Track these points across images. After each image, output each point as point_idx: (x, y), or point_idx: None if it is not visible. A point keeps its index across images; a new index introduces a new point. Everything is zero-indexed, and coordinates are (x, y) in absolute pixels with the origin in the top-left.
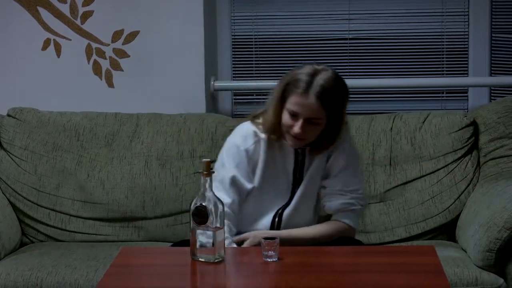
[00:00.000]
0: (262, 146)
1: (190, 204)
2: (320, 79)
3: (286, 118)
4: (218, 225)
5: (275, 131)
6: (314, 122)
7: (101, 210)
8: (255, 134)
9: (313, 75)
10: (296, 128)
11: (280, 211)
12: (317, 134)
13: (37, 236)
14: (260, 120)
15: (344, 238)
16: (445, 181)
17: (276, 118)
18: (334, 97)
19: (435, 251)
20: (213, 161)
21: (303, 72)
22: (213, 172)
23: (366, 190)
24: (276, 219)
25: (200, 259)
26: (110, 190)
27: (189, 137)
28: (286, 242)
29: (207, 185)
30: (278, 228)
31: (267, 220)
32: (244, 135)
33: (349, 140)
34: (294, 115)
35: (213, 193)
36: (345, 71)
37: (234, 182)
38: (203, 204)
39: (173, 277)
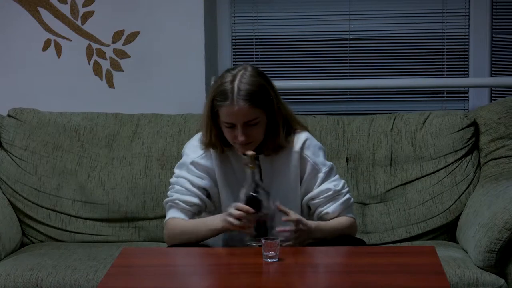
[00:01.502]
0: (214, 157)
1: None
2: (239, 82)
3: (226, 131)
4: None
5: (214, 146)
6: (253, 123)
7: (102, 211)
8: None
9: (232, 81)
10: (239, 137)
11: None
12: (262, 132)
13: (37, 236)
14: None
15: (347, 237)
16: (445, 181)
17: (211, 135)
18: (259, 93)
19: (436, 251)
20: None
21: (223, 82)
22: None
23: (367, 190)
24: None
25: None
26: (110, 191)
27: (189, 138)
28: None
29: (255, 177)
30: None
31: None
32: (194, 146)
33: (305, 140)
34: (231, 126)
35: (261, 183)
36: (345, 71)
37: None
38: (253, 194)
39: (173, 278)
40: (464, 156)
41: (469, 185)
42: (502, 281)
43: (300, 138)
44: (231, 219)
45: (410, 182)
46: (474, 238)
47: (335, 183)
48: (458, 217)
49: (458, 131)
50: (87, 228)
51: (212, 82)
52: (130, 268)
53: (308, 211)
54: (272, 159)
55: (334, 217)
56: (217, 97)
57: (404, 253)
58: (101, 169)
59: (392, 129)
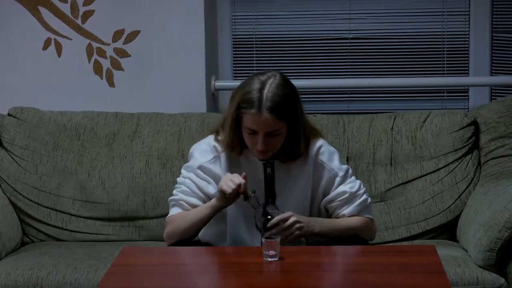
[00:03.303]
0: (223, 162)
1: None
2: (268, 92)
3: (246, 136)
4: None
5: (234, 148)
6: (275, 134)
7: (102, 210)
8: (215, 149)
9: (261, 89)
10: (259, 145)
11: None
12: (281, 142)
13: (37, 235)
14: (220, 137)
15: (350, 236)
16: (445, 180)
17: (233, 138)
18: (287, 105)
19: (436, 250)
20: None
21: (251, 89)
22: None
23: (367, 190)
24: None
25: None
26: (110, 190)
27: (189, 137)
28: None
29: (258, 201)
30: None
31: (258, 239)
32: (203, 150)
33: (319, 147)
34: (253, 133)
35: (262, 202)
36: (345, 70)
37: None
38: (269, 217)
39: (174, 277)
40: (464, 155)
41: (469, 184)
42: (502, 280)
43: (315, 144)
44: (225, 187)
45: (410, 181)
46: (474, 237)
47: (351, 185)
48: (458, 216)
49: (458, 130)
50: (88, 227)
51: (213, 81)
52: (130, 267)
53: (326, 213)
54: (287, 165)
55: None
56: (243, 103)
57: (405, 252)
58: (101, 168)
59: (392, 128)
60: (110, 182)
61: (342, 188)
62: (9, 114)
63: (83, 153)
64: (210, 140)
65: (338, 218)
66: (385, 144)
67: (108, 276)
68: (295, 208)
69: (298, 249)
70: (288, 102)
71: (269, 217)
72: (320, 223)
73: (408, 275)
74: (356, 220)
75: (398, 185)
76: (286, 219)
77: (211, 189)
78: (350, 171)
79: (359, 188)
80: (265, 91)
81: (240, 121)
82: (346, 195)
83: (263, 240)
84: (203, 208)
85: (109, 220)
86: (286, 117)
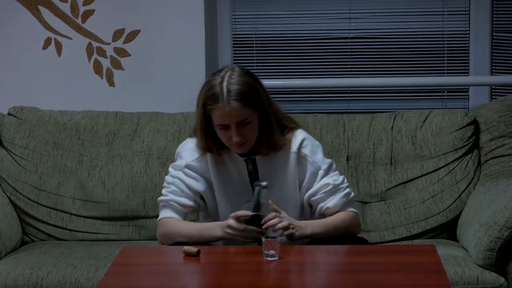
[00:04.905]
0: (209, 160)
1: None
2: (228, 83)
3: (220, 133)
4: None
5: (211, 149)
6: (246, 122)
7: (102, 209)
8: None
9: (221, 82)
10: (234, 137)
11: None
12: (256, 132)
13: (37, 235)
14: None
15: (349, 236)
16: (446, 180)
17: (207, 140)
18: (249, 92)
19: (436, 250)
20: None
21: (212, 85)
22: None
23: (367, 189)
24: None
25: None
26: (110, 189)
27: (190, 136)
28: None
29: (261, 196)
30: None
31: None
32: (190, 149)
33: (302, 140)
34: (225, 127)
35: (265, 203)
36: (345, 70)
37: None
38: (258, 213)
39: (173, 276)
40: (465, 154)
41: (469, 184)
42: (502, 279)
43: (298, 137)
44: (230, 231)
45: (410, 180)
46: (475, 237)
47: (334, 178)
48: (458, 216)
49: (459, 129)
50: (88, 226)
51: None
52: (130, 267)
53: (310, 209)
54: (270, 160)
55: (335, 212)
56: (208, 101)
57: (405, 252)
58: (101, 168)
59: (392, 127)
60: (110, 181)
61: (325, 180)
62: (9, 114)
63: (83, 153)
64: (195, 139)
65: (322, 211)
66: (385, 143)
67: (108, 276)
68: (284, 202)
69: (298, 249)
70: (250, 88)
71: (259, 214)
72: (310, 224)
73: (408, 275)
74: (343, 216)
75: (398, 184)
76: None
77: (200, 186)
78: (334, 165)
79: (342, 182)
80: (225, 83)
81: (210, 121)
82: (330, 187)
83: (263, 239)
84: (204, 235)
85: (109, 219)
86: (252, 103)
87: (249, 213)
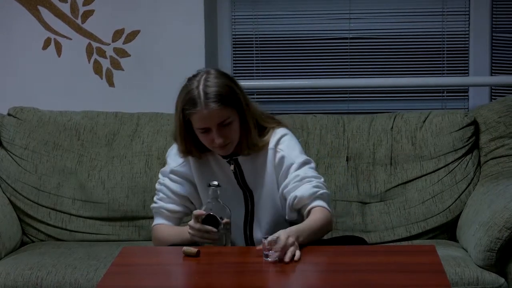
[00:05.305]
0: (192, 164)
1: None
2: (205, 86)
3: (201, 137)
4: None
5: (192, 153)
6: (227, 123)
7: (102, 210)
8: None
9: (198, 86)
10: (216, 140)
11: (247, 226)
12: (238, 131)
13: (37, 235)
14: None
15: (349, 236)
16: (445, 180)
17: (187, 144)
18: (227, 92)
19: (436, 250)
20: None
21: (189, 90)
22: (218, 184)
23: (367, 189)
24: (248, 233)
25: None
26: (110, 190)
27: None
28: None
29: (216, 195)
30: (252, 244)
31: (239, 240)
32: (174, 154)
33: (280, 136)
34: (206, 131)
35: (221, 202)
36: (345, 70)
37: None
38: (211, 213)
39: (173, 277)
40: (464, 155)
41: (469, 184)
42: (502, 280)
43: (277, 134)
44: (190, 231)
45: (410, 181)
46: (474, 237)
47: (305, 171)
48: (458, 216)
49: (458, 130)
50: (87, 227)
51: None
52: (130, 267)
53: (284, 203)
54: (252, 159)
55: (304, 203)
56: (186, 105)
57: (404, 252)
58: (101, 168)
59: (392, 128)
60: (110, 182)
61: (297, 172)
62: (9, 114)
63: (83, 153)
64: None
65: (293, 203)
66: (385, 144)
67: (108, 276)
68: (271, 201)
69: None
70: (227, 89)
71: (212, 213)
72: (301, 233)
73: (408, 275)
74: (319, 214)
75: (398, 185)
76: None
77: (186, 190)
78: (313, 164)
79: (316, 176)
80: (202, 86)
81: (190, 125)
82: (298, 178)
83: (263, 240)
84: (178, 240)
85: (109, 220)
86: (230, 103)
87: (203, 212)
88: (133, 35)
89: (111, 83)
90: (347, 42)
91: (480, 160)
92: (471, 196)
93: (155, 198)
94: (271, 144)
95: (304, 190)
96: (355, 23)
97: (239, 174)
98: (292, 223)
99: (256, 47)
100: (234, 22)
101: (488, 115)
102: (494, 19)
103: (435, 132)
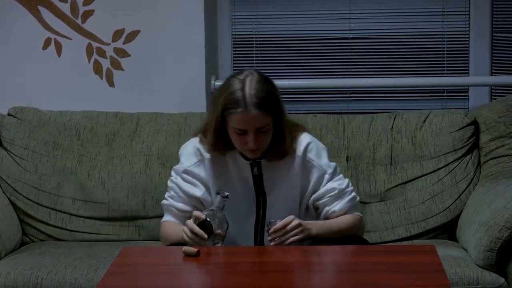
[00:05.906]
0: (207, 165)
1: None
2: (251, 89)
3: (235, 137)
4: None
5: (218, 149)
6: (264, 130)
7: (102, 209)
8: (199, 153)
9: (243, 88)
10: (250, 143)
11: (257, 230)
12: (270, 139)
13: (37, 235)
14: (205, 139)
15: (350, 236)
16: (445, 180)
17: (217, 140)
18: (271, 100)
19: (436, 250)
20: None
21: (233, 90)
22: (227, 195)
23: (367, 189)
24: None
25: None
26: (110, 189)
27: (189, 137)
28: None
29: (220, 204)
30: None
31: (249, 244)
32: (188, 153)
33: (307, 144)
34: (242, 133)
35: (223, 214)
36: (345, 70)
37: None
38: (208, 220)
39: (173, 277)
40: (464, 155)
41: (469, 184)
42: (502, 280)
43: (303, 141)
44: (185, 236)
45: (410, 181)
46: (474, 237)
47: (339, 182)
48: (458, 216)
49: (458, 130)
50: (87, 227)
51: (212, 81)
52: (130, 267)
53: (315, 211)
54: (274, 164)
55: (341, 215)
56: (228, 105)
57: (404, 252)
58: (101, 168)
59: (392, 128)
60: (110, 181)
61: (331, 184)
62: (9, 114)
63: (83, 153)
64: (195, 142)
65: (328, 215)
66: (385, 144)
67: (108, 276)
68: (285, 206)
69: (298, 249)
70: (272, 96)
71: (208, 220)
72: (315, 226)
73: (408, 275)
74: (348, 219)
75: (398, 185)
76: (289, 223)
77: (197, 191)
78: (338, 168)
79: (347, 186)
80: (247, 89)
81: (225, 123)
82: (335, 192)
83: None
84: (176, 239)
85: (109, 220)
86: (272, 111)
87: (202, 216)
88: (133, 35)
89: (111, 83)
90: (347, 42)
91: (480, 160)
92: (471, 196)
93: (166, 195)
94: (299, 152)
95: (342, 205)
96: (355, 23)
97: (258, 178)
98: None
99: (256, 47)
100: (234, 22)
101: (488, 115)
102: (494, 19)
103: (435, 132)
